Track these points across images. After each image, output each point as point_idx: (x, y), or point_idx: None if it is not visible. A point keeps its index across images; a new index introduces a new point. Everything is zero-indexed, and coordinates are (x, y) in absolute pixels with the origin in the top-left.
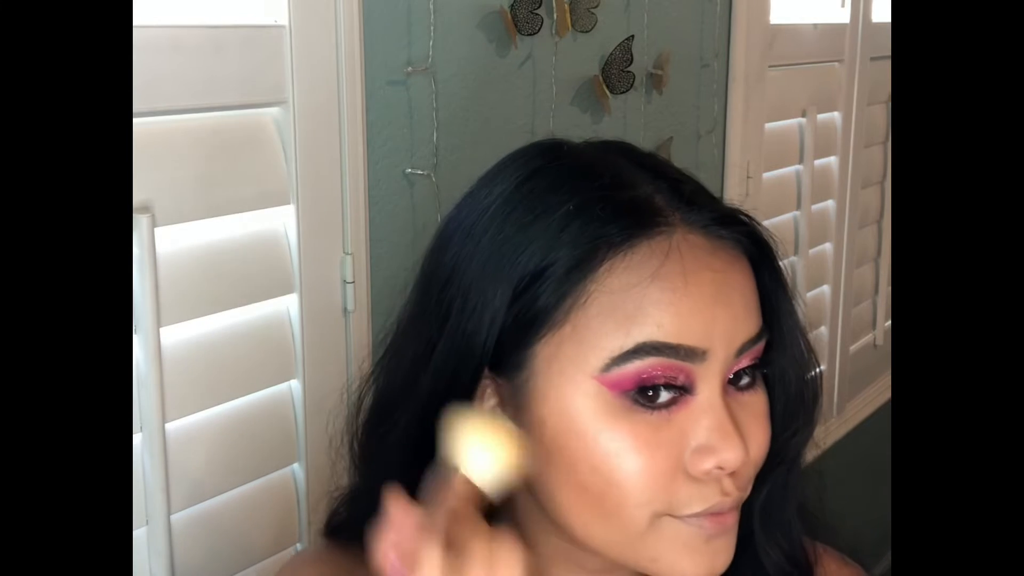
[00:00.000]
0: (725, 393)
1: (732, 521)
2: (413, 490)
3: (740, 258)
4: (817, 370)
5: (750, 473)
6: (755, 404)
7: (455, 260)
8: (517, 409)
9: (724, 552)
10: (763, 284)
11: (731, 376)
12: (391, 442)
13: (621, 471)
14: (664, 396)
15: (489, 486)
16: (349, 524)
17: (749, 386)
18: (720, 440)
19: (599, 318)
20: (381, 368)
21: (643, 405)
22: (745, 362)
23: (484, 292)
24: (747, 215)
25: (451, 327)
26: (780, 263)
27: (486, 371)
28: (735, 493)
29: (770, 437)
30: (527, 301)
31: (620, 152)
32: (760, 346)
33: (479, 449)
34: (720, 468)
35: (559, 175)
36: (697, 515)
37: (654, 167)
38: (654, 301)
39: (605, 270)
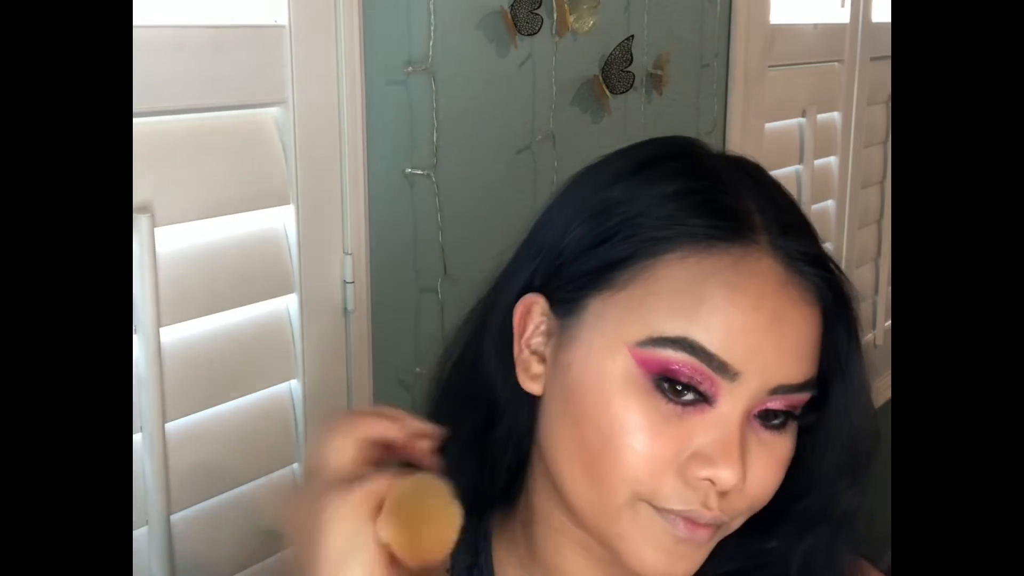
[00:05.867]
0: (747, 422)
1: (705, 536)
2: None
3: (812, 305)
4: (878, 432)
5: (741, 506)
6: (776, 446)
7: (553, 206)
8: (557, 347)
9: (687, 560)
10: (836, 340)
11: (762, 411)
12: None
13: (620, 440)
14: (687, 395)
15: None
16: None
17: (778, 428)
18: (721, 455)
19: (655, 296)
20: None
21: (663, 393)
22: (777, 404)
23: (568, 217)
24: (836, 265)
25: (529, 241)
26: (858, 322)
27: (541, 299)
28: (716, 512)
29: (778, 483)
30: (601, 251)
31: (743, 169)
32: (801, 397)
33: (405, 524)
34: (711, 481)
35: (676, 167)
36: (674, 512)
37: (768, 192)
38: (711, 306)
39: (678, 258)
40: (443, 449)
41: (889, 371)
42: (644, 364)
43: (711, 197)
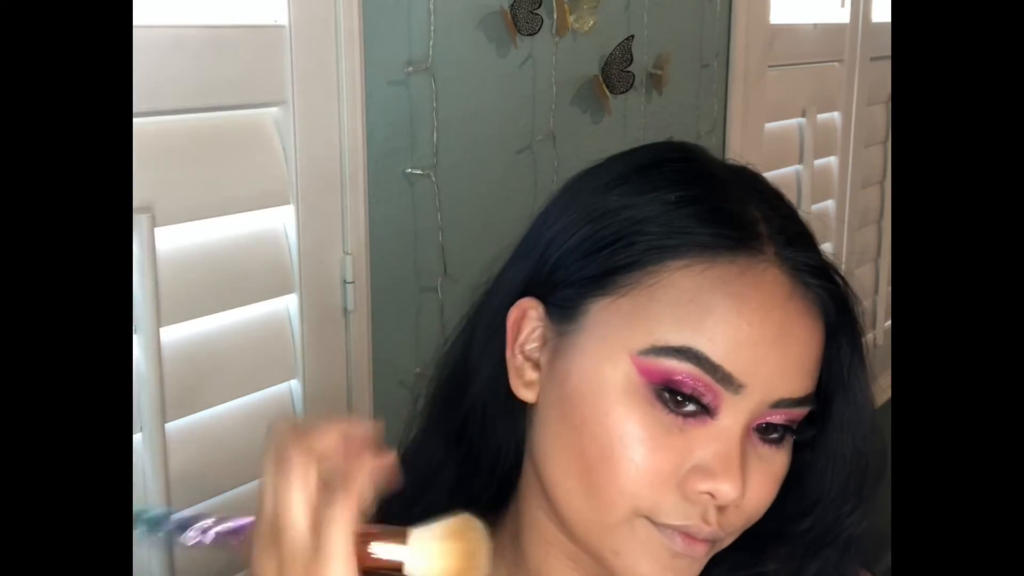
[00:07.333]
0: (747, 435)
1: (702, 552)
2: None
3: (816, 318)
4: (886, 452)
5: (738, 523)
6: (773, 461)
7: (551, 208)
8: (553, 353)
9: (683, 574)
10: (838, 354)
11: (762, 425)
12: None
13: (619, 452)
14: (688, 407)
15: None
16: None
17: (775, 443)
18: (722, 469)
19: (659, 305)
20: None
21: (664, 404)
22: (778, 418)
23: (567, 221)
24: (842, 277)
25: (525, 244)
26: (863, 336)
27: (537, 303)
28: (715, 528)
29: (772, 499)
30: (602, 257)
31: (746, 178)
32: (801, 411)
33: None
34: (711, 495)
35: (678, 170)
36: (673, 527)
37: (772, 201)
38: (716, 316)
39: (683, 266)
40: (429, 457)
41: (889, 371)
42: (646, 373)
43: (715, 205)
